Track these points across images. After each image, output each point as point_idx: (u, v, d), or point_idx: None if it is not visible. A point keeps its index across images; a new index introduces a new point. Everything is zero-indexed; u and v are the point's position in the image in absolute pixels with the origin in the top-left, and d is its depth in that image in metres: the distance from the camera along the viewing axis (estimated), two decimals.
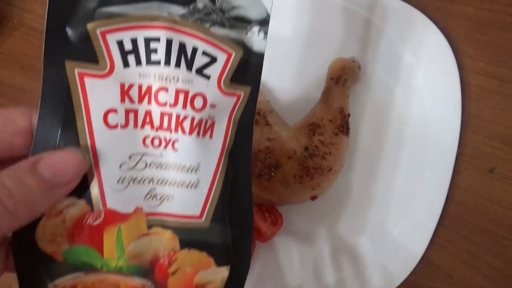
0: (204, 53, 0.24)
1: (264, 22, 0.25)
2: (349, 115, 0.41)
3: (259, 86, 0.25)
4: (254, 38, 0.25)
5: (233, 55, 0.24)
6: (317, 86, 0.43)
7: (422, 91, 0.41)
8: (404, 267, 0.39)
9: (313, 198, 0.40)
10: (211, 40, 0.24)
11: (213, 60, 0.24)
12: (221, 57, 0.24)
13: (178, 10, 0.23)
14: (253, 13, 0.24)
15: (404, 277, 0.39)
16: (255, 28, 0.25)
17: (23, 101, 0.52)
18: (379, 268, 0.40)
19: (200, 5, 0.23)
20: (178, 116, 0.24)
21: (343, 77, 0.41)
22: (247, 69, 0.25)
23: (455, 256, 0.39)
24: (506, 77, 0.40)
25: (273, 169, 0.39)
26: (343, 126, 0.40)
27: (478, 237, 0.38)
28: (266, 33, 0.25)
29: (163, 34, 0.23)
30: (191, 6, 0.23)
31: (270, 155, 0.39)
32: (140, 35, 0.23)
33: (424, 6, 0.42)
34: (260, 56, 0.25)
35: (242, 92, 0.25)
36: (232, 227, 0.25)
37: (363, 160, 0.42)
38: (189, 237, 0.24)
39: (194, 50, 0.23)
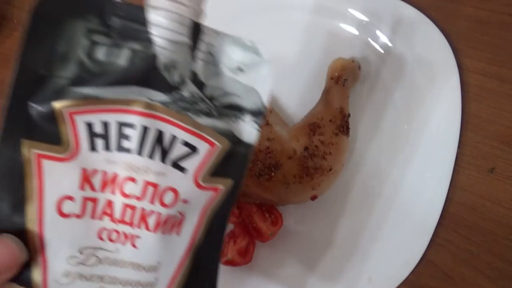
0: (184, 143, 0.21)
1: (258, 113, 0.23)
2: (349, 115, 0.41)
3: (242, 179, 0.23)
4: (245, 128, 0.23)
5: (217, 146, 0.22)
6: (317, 86, 0.43)
7: (422, 91, 0.41)
8: (404, 267, 0.39)
9: (313, 198, 0.40)
10: (193, 129, 0.21)
11: (193, 151, 0.22)
12: (203, 149, 0.22)
13: (159, 96, 0.21)
14: (248, 102, 0.23)
15: (404, 277, 0.39)
16: (248, 118, 0.23)
17: None
18: (379, 268, 0.40)
19: (185, 93, 0.21)
20: (143, 211, 0.21)
21: (343, 77, 0.41)
22: (232, 161, 0.23)
23: (455, 256, 0.39)
24: (506, 77, 0.40)
25: (273, 169, 0.39)
26: (343, 126, 0.40)
27: (478, 237, 0.38)
28: (259, 124, 0.23)
29: (138, 120, 0.20)
30: (175, 94, 0.21)
31: (270, 155, 0.39)
32: (113, 119, 0.20)
33: (424, 6, 0.42)
34: (249, 147, 0.23)
35: (222, 187, 0.23)
36: None
37: (363, 160, 0.42)
38: None
39: (173, 139, 0.21)
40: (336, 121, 0.40)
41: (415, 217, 0.39)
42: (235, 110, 0.23)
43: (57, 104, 0.20)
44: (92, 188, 0.21)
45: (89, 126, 0.20)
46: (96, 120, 0.20)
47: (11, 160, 0.20)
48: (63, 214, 0.20)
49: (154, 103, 0.21)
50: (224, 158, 0.22)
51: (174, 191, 0.22)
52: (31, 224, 0.20)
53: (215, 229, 0.23)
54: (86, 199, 0.21)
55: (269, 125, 0.40)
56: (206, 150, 0.22)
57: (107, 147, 0.21)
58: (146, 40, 0.21)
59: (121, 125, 0.21)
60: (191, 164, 0.22)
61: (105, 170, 0.21)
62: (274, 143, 0.40)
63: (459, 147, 0.39)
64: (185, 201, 0.22)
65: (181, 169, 0.22)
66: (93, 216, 0.21)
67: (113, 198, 0.21)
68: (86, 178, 0.21)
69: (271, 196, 0.40)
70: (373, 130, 0.42)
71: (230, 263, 0.41)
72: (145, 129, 0.21)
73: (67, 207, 0.20)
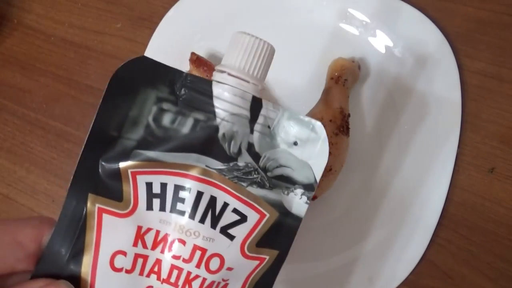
0: (235, 210, 0.22)
1: (310, 187, 0.23)
2: (349, 115, 0.41)
3: (288, 250, 0.24)
4: (295, 200, 0.23)
5: (267, 217, 0.23)
6: (317, 86, 0.43)
7: (422, 91, 0.41)
8: (404, 267, 0.39)
9: (313, 198, 0.40)
10: (245, 198, 0.22)
11: (243, 219, 0.22)
12: (253, 218, 0.22)
13: (216, 164, 0.22)
14: (300, 176, 0.23)
15: (404, 277, 0.39)
16: (299, 191, 0.23)
17: (23, 101, 0.52)
18: (379, 268, 0.40)
19: (241, 163, 0.22)
20: (189, 274, 0.22)
21: (343, 77, 0.41)
22: (279, 233, 0.23)
23: (455, 256, 0.39)
24: (506, 77, 0.40)
25: None
26: (343, 126, 0.40)
27: (478, 237, 0.38)
28: (309, 198, 0.23)
29: (194, 185, 0.22)
30: (231, 164, 0.22)
31: None
32: (171, 181, 0.22)
33: (424, 6, 0.42)
34: (298, 220, 0.23)
35: (268, 257, 0.23)
36: None
37: (363, 160, 0.42)
38: None
39: (224, 206, 0.22)
40: (336, 121, 0.40)
41: (415, 217, 0.39)
42: (287, 182, 0.23)
43: (123, 164, 0.21)
44: (144, 245, 0.22)
45: (149, 186, 0.22)
46: (156, 180, 0.22)
47: (77, 211, 0.21)
48: (115, 268, 0.21)
49: (210, 170, 0.22)
50: (272, 228, 0.23)
51: (221, 257, 0.22)
52: (85, 274, 0.21)
53: None
54: (137, 255, 0.22)
55: None
56: (255, 220, 0.23)
57: (162, 207, 0.22)
58: (209, 111, 0.22)
59: (178, 188, 0.22)
60: (239, 232, 0.22)
61: (158, 229, 0.22)
62: None
63: (459, 147, 0.39)
64: (229, 269, 0.22)
65: (230, 236, 0.22)
66: (141, 273, 0.22)
67: (162, 257, 0.22)
68: (140, 235, 0.22)
69: None
70: (373, 130, 0.42)
71: None
72: (199, 194, 0.22)
73: (120, 261, 0.21)
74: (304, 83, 0.44)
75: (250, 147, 0.23)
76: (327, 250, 0.41)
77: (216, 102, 0.22)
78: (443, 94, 0.40)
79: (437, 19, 0.41)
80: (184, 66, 0.42)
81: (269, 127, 0.23)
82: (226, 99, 0.22)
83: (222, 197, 0.22)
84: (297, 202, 0.23)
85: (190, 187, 0.22)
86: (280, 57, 0.45)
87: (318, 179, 0.23)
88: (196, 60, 0.41)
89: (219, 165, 0.22)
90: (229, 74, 0.22)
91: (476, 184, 0.39)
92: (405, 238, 0.39)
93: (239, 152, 0.22)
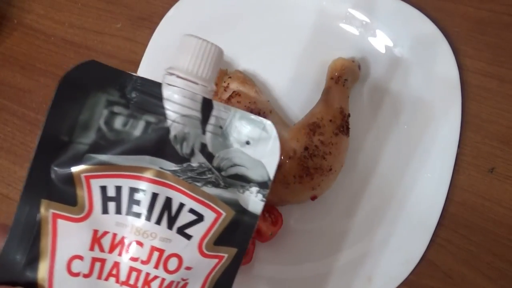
0: (191, 210, 0.22)
1: (264, 185, 0.24)
2: (349, 115, 0.41)
3: (246, 247, 0.24)
4: (251, 198, 0.24)
5: (223, 215, 0.23)
6: (317, 86, 0.43)
7: (422, 91, 0.41)
8: (404, 267, 0.39)
9: (313, 198, 0.40)
10: (200, 198, 0.23)
11: (200, 219, 0.23)
12: (209, 217, 0.23)
13: (170, 166, 0.22)
14: (254, 174, 0.24)
15: (404, 277, 0.39)
16: (254, 189, 0.24)
17: (23, 101, 0.52)
18: (379, 268, 0.40)
19: (194, 164, 0.23)
20: (147, 275, 0.22)
21: (343, 77, 0.41)
22: (236, 231, 0.23)
23: (455, 256, 0.39)
24: (506, 77, 0.40)
25: None
26: (343, 126, 0.40)
27: (478, 237, 0.38)
28: (264, 196, 0.24)
29: (149, 187, 0.22)
30: (184, 165, 0.23)
31: None
32: (126, 184, 0.22)
33: (424, 6, 0.42)
34: (254, 218, 0.24)
35: (226, 255, 0.23)
36: None
37: (363, 160, 0.42)
38: None
39: (180, 207, 0.22)
40: (336, 121, 0.40)
41: (415, 217, 0.39)
42: (242, 180, 0.24)
43: (76, 169, 0.21)
44: (101, 249, 0.22)
45: (103, 189, 0.22)
46: (110, 184, 0.22)
47: (30, 217, 0.21)
48: (72, 273, 0.21)
49: (164, 171, 0.22)
50: (229, 227, 0.23)
51: (179, 257, 0.22)
52: (42, 280, 0.21)
53: None
54: (95, 259, 0.22)
55: None
56: (212, 219, 0.23)
57: (118, 210, 0.22)
58: (160, 113, 0.22)
59: (133, 190, 0.22)
60: (196, 231, 0.23)
61: (115, 232, 0.22)
62: None
63: (459, 147, 0.39)
64: (188, 268, 0.23)
65: (187, 236, 0.23)
66: (100, 277, 0.22)
67: (120, 260, 0.22)
68: (97, 239, 0.22)
69: (271, 196, 0.40)
70: (373, 130, 0.42)
71: None
72: (154, 196, 0.22)
73: (77, 266, 0.21)
74: (304, 83, 0.44)
75: (203, 148, 0.23)
76: (327, 250, 0.41)
77: (167, 104, 0.22)
78: (443, 94, 0.40)
79: (437, 19, 0.41)
80: None
81: (221, 127, 0.23)
82: (176, 101, 0.22)
83: (177, 198, 0.22)
84: (253, 200, 0.24)
85: (145, 189, 0.22)
86: (280, 57, 0.45)
87: (272, 177, 0.23)
88: None
89: (172, 166, 0.22)
90: (178, 77, 0.23)
91: (476, 184, 0.39)
92: (405, 238, 0.39)
93: (192, 153, 0.23)
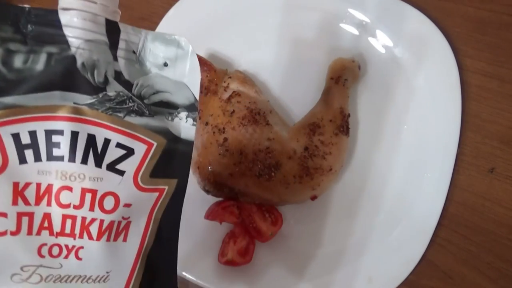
0: (119, 145, 0.21)
1: (192, 108, 0.22)
2: (349, 115, 0.41)
3: (188, 176, 0.22)
4: (182, 124, 0.22)
5: (154, 145, 0.21)
6: (317, 86, 0.43)
7: (422, 91, 0.41)
8: (404, 267, 0.39)
9: (313, 198, 0.40)
10: (126, 130, 0.21)
11: (130, 153, 0.21)
12: (140, 149, 0.21)
13: (85, 99, 0.21)
14: (179, 98, 0.22)
15: (404, 277, 0.39)
16: (183, 114, 0.22)
17: None
18: (379, 268, 0.40)
19: (111, 93, 0.21)
20: (84, 220, 0.20)
21: (343, 77, 0.41)
22: (173, 160, 0.22)
23: (455, 256, 0.39)
24: (506, 77, 0.40)
25: (273, 169, 0.39)
26: (343, 126, 0.40)
27: (478, 237, 0.38)
28: (194, 119, 0.22)
29: (67, 126, 0.20)
30: (100, 95, 0.21)
31: (270, 155, 0.39)
32: (40, 127, 0.20)
33: (424, 6, 0.42)
34: (189, 144, 0.22)
35: (166, 187, 0.22)
36: None
37: (363, 160, 0.42)
38: None
39: (106, 143, 0.21)
40: (336, 121, 0.40)
41: (415, 217, 0.39)
42: (169, 107, 0.22)
43: None
44: (26, 202, 0.20)
45: (16, 137, 0.20)
46: (23, 130, 0.20)
47: None
48: None
49: (80, 106, 0.20)
50: (163, 156, 0.22)
51: (114, 195, 0.21)
52: None
53: (166, 230, 0.23)
54: (20, 214, 0.20)
55: (269, 125, 0.40)
56: (143, 151, 0.21)
57: (37, 158, 0.20)
58: (62, 42, 0.20)
59: (49, 133, 0.20)
60: (129, 165, 0.21)
61: (38, 181, 0.20)
62: (274, 143, 0.40)
63: (459, 147, 0.39)
64: (127, 205, 0.21)
65: (119, 172, 0.21)
66: (29, 232, 0.20)
67: (50, 211, 0.20)
68: (19, 192, 0.20)
69: (271, 196, 0.40)
70: (373, 130, 0.42)
71: (230, 263, 0.41)
72: (74, 135, 0.20)
73: (1, 224, 0.20)
74: (304, 83, 0.44)
75: (118, 76, 0.21)
76: (327, 250, 0.41)
77: (67, 31, 0.20)
78: (443, 94, 0.40)
79: (437, 19, 0.41)
80: None
81: (134, 52, 0.22)
82: (76, 25, 0.20)
83: (101, 134, 0.20)
84: (184, 126, 0.22)
85: (63, 129, 0.20)
86: (281, 57, 0.45)
87: (197, 97, 0.22)
88: None
89: (87, 99, 0.21)
90: None
91: (476, 184, 0.39)
92: (405, 238, 0.39)
93: (106, 81, 0.21)
